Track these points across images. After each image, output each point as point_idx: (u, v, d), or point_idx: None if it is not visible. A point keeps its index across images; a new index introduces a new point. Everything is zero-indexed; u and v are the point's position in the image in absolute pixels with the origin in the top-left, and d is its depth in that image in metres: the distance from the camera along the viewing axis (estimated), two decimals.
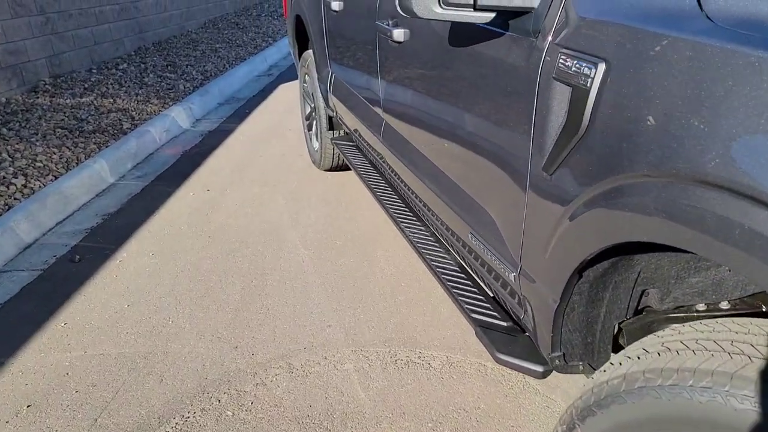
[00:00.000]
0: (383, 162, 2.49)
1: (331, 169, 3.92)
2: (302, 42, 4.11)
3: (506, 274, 1.49)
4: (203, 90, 5.84)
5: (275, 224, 3.27)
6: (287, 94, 6.19)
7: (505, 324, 1.67)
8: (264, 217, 3.36)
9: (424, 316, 2.42)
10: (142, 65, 6.48)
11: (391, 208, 2.52)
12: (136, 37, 7.19)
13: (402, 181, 2.28)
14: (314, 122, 3.98)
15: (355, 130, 2.96)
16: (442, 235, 2.05)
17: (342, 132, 3.58)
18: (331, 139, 3.49)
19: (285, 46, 8.72)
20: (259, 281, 2.71)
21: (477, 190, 1.62)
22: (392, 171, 2.39)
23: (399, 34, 1.95)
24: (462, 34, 1.55)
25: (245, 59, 7.42)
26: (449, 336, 2.30)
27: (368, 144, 2.69)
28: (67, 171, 3.82)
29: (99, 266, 2.89)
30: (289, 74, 7.17)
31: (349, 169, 3.92)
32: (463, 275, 1.99)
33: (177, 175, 4.07)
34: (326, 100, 3.38)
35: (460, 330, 2.33)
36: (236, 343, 2.29)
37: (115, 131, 4.60)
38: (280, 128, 5.01)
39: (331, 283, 2.67)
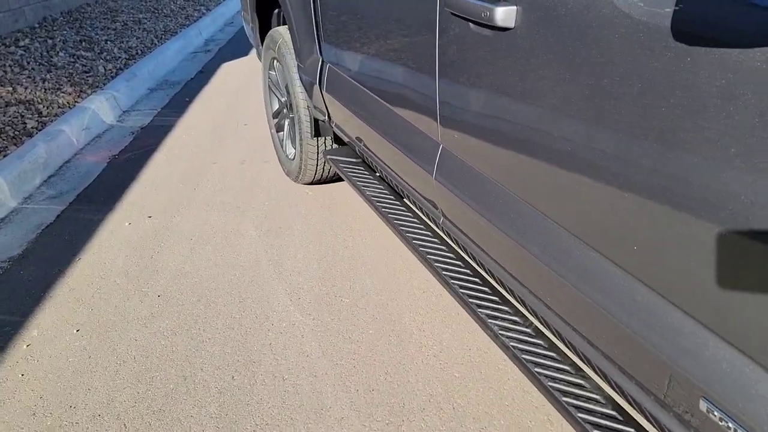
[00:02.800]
0: (436, 210, 1.67)
1: (312, 183, 3.04)
2: (265, 16, 3.17)
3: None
4: (129, 73, 4.75)
5: (251, 271, 2.39)
6: (233, 75, 5.18)
7: None
8: (233, 260, 2.47)
9: None
10: (50, 41, 5.27)
11: (449, 275, 1.71)
12: (39, 6, 5.91)
13: (483, 253, 1.47)
14: (286, 122, 3.08)
15: (364, 143, 2.11)
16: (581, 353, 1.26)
17: (331, 140, 2.71)
18: (326, 155, 2.60)
19: (221, 15, 7.58)
20: (244, 379, 1.85)
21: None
22: (459, 231, 1.57)
23: (506, 14, 1.12)
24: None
25: (176, 33, 6.29)
26: None
27: (401, 177, 1.86)
28: None
29: None
30: (230, 50, 6.12)
31: (337, 180, 3.06)
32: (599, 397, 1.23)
33: (104, 193, 3.08)
34: (312, 97, 2.50)
35: None
36: None
37: (16, 133, 3.51)
38: (232, 122, 4.04)
39: (351, 379, 1.85)
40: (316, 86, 2.38)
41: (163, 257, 2.50)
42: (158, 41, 5.86)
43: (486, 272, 1.57)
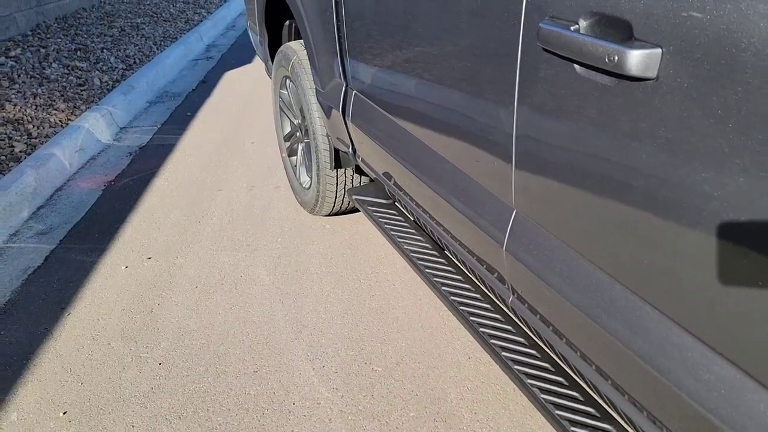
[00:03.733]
0: (502, 285, 1.34)
1: (331, 214, 2.72)
2: (276, 28, 2.85)
3: None
4: (127, 85, 4.43)
5: (266, 329, 2.07)
6: (237, 86, 4.86)
7: None
8: (245, 314, 2.15)
9: None
10: (42, 50, 4.95)
11: (510, 357, 1.39)
12: (32, 12, 5.58)
13: (573, 350, 1.15)
14: (299, 147, 2.76)
15: (400, 186, 1.79)
16: None
17: (352, 171, 2.39)
18: (350, 194, 2.26)
19: (222, 19, 7.26)
20: None
21: None
22: (534, 314, 1.25)
23: (645, 60, 0.80)
24: None
25: (176, 38, 5.97)
26: None
27: (452, 236, 1.53)
28: None
29: None
30: (233, 56, 5.79)
31: (357, 210, 2.74)
32: None
33: (99, 227, 2.76)
34: (333, 126, 2.18)
35: None
36: None
37: (2, 158, 3.20)
38: (238, 140, 3.72)
39: None
40: (339, 115, 2.05)
41: (164, 311, 2.19)
42: (157, 48, 5.53)
43: (573, 371, 1.24)
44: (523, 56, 1.05)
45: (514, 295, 1.30)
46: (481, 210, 1.33)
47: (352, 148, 2.11)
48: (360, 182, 2.50)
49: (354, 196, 2.18)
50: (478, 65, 1.20)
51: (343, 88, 2.02)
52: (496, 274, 1.35)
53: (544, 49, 0.99)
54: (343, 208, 2.63)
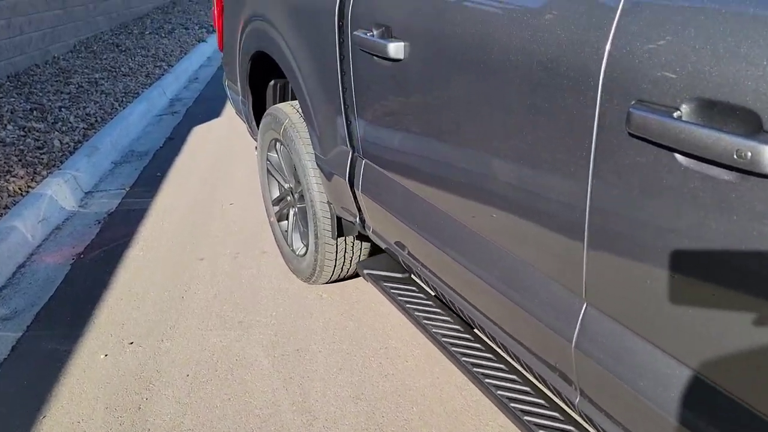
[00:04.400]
0: (568, 386, 1.20)
1: (329, 282, 2.55)
2: (260, 86, 2.71)
3: None
4: (90, 146, 4.19)
5: (272, 423, 1.87)
6: (207, 141, 4.67)
7: None
8: (245, 405, 1.94)
9: None
10: None
11: None
12: None
13: None
14: (291, 212, 2.60)
15: (424, 265, 1.65)
16: None
17: (355, 239, 2.24)
18: (362, 268, 2.07)
19: (184, 71, 7.09)
20: None
21: None
22: (609, 419, 1.11)
23: None
24: None
25: (138, 93, 5.75)
26: None
27: (495, 324, 1.38)
28: None
29: None
30: (199, 110, 5.61)
31: (354, 277, 2.57)
32: None
33: (71, 308, 2.51)
34: (336, 195, 2.03)
35: None
36: None
37: None
38: (215, 201, 3.53)
39: None
40: (345, 184, 1.91)
41: (154, 406, 1.96)
42: (119, 105, 5.31)
43: None
44: (601, 137, 0.94)
45: (582, 396, 1.17)
46: (539, 299, 1.19)
47: (360, 218, 1.97)
48: (361, 248, 2.35)
49: (366, 271, 2.02)
50: (535, 138, 1.09)
51: (350, 156, 1.88)
52: (557, 371, 1.21)
53: (631, 133, 0.88)
54: (342, 276, 2.47)
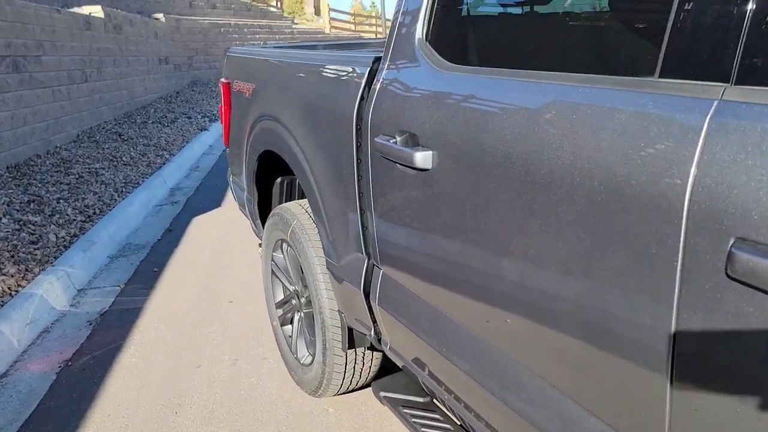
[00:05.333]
0: None
1: (337, 394, 2.34)
2: (267, 186, 2.61)
3: None
4: (86, 240, 4.06)
5: None
6: (206, 233, 4.55)
7: None
8: None
9: None
10: None
11: None
12: None
13: None
14: (296, 317, 2.43)
15: (450, 389, 1.46)
16: None
17: (366, 350, 2.06)
18: (378, 390, 1.86)
19: (185, 160, 7.09)
20: None
21: None
22: None
23: None
24: None
25: (138, 183, 5.70)
26: None
27: None
28: None
29: None
30: (199, 200, 5.53)
31: (363, 388, 2.36)
32: None
33: (52, 427, 2.28)
34: (349, 305, 1.88)
35: None
36: None
37: None
38: (214, 299, 3.35)
39: None
40: (359, 294, 1.76)
41: None
42: (119, 195, 5.23)
43: None
44: (689, 278, 0.80)
45: None
46: None
47: (374, 331, 1.80)
48: (372, 359, 2.16)
49: (382, 394, 1.82)
50: (600, 267, 0.95)
51: (365, 264, 1.74)
52: None
53: (730, 276, 0.74)
54: (351, 388, 2.26)
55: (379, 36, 25.57)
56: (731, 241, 0.73)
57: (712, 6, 0.82)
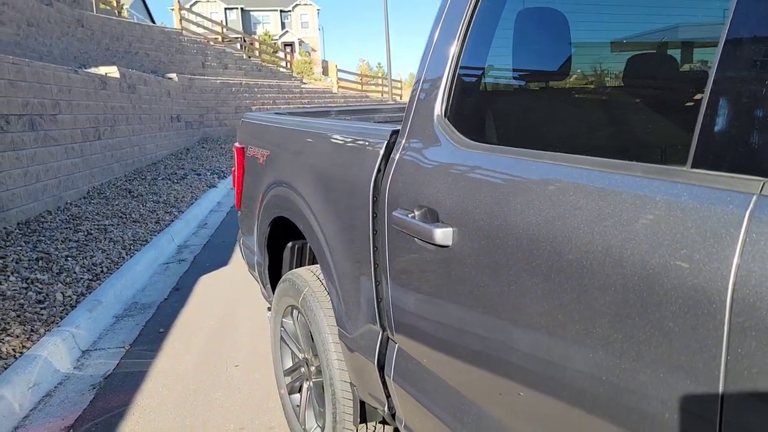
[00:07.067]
0: None
1: None
2: (278, 250, 2.60)
3: None
4: (92, 299, 4.03)
5: None
6: (214, 293, 4.52)
7: None
8: None
9: None
10: (0, 261, 4.57)
11: None
12: None
13: None
14: (305, 386, 2.37)
15: None
16: None
17: (377, 424, 2.00)
18: None
19: (194, 217, 7.13)
20: None
21: None
22: None
23: None
24: None
25: (146, 241, 5.71)
26: None
27: None
28: None
29: None
30: (207, 258, 5.52)
31: None
32: None
33: None
34: (361, 378, 1.83)
35: None
36: None
37: None
38: (219, 363, 3.29)
39: None
40: (373, 368, 1.72)
41: None
42: (126, 253, 5.23)
43: None
44: (733, 386, 0.77)
45: None
46: None
47: (388, 406, 1.75)
48: None
49: None
50: (636, 356, 0.92)
51: (380, 337, 1.71)
52: None
53: None
54: None
55: (384, 95, 26.13)
56: None
57: (743, 99, 0.82)
